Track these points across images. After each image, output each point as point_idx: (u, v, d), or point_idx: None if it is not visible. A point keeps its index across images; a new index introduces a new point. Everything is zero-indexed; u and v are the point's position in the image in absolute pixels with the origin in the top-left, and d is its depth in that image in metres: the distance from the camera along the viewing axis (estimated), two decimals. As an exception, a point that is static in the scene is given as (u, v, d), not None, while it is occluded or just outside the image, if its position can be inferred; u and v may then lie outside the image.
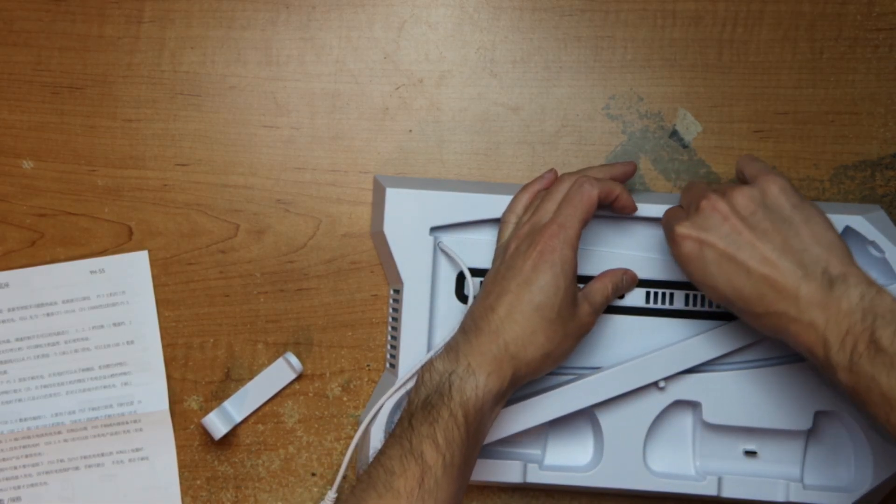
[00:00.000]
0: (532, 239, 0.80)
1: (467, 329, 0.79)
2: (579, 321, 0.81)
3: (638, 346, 0.87)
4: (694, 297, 0.88)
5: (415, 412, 0.76)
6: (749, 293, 0.76)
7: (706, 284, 0.78)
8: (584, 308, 0.81)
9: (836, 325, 0.72)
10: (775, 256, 0.75)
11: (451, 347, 0.79)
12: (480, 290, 0.82)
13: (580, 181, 0.81)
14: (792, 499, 0.86)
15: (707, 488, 0.87)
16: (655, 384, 0.86)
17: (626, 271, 0.86)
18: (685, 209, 0.81)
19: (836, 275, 0.74)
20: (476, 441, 0.77)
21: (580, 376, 0.85)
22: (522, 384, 0.80)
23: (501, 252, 0.82)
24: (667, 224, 0.82)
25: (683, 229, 0.78)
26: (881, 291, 0.73)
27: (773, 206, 0.77)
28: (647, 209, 0.86)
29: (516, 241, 0.81)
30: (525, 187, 0.85)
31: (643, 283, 0.87)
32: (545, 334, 0.78)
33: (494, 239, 0.87)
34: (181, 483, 0.90)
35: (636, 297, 0.87)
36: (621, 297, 0.88)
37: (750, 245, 0.76)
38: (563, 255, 0.78)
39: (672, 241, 0.79)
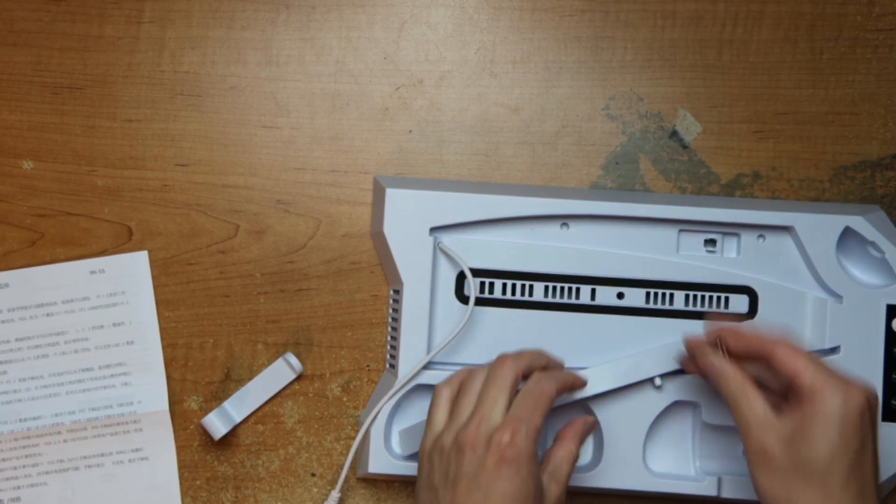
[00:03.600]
0: (488, 441, 0.74)
1: None
2: None
3: (638, 346, 0.87)
4: (693, 297, 0.88)
5: None
6: (845, 470, 0.74)
7: (828, 442, 0.74)
8: (553, 490, 0.77)
9: None
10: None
11: None
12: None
13: (538, 377, 0.77)
14: (792, 499, 0.86)
15: (707, 488, 0.87)
16: (652, 382, 0.86)
17: (585, 420, 0.82)
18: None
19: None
20: None
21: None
22: None
23: (438, 454, 0.76)
24: (825, 377, 0.75)
25: (864, 399, 0.74)
26: None
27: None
28: (647, 209, 0.86)
29: (467, 442, 0.75)
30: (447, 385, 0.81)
31: (644, 284, 0.87)
32: None
33: (494, 239, 0.87)
34: (181, 483, 0.90)
35: (636, 298, 0.87)
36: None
37: (872, 441, 0.75)
38: (528, 450, 0.74)
39: (843, 393, 0.74)
